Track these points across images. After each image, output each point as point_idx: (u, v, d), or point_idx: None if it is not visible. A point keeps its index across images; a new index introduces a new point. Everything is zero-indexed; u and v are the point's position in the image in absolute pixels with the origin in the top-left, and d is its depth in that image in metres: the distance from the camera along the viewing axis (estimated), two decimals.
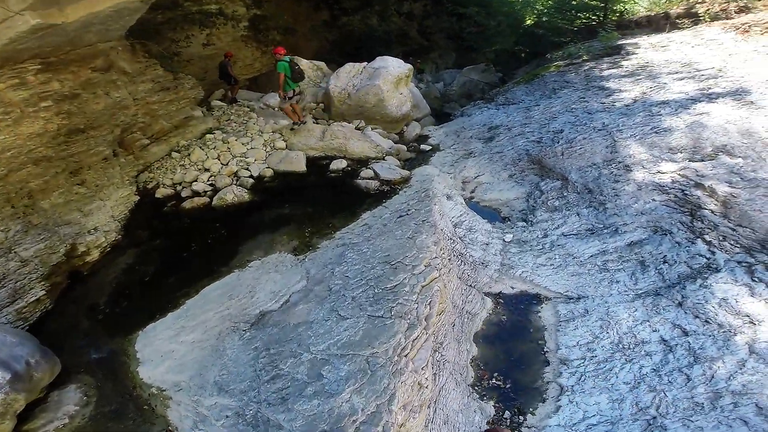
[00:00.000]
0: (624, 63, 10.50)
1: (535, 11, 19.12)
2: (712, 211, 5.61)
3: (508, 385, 4.64)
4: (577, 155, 7.41)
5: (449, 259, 5.51)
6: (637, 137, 7.18)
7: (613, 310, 5.08)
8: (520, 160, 8.17)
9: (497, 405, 4.44)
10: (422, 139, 10.32)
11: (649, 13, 14.58)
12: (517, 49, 18.39)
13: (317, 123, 9.96)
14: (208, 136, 8.91)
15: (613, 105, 8.52)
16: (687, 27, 11.91)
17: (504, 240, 6.54)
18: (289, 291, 5.13)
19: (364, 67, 10.65)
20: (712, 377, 4.05)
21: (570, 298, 5.47)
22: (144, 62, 7.86)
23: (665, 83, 8.73)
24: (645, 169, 6.56)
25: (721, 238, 5.35)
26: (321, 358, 4.03)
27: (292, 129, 9.41)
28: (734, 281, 4.80)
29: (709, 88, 7.93)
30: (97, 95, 6.72)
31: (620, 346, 4.68)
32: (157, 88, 8.04)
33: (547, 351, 4.95)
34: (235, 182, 7.82)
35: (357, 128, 9.85)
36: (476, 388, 4.60)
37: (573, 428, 4.08)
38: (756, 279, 4.73)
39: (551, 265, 5.95)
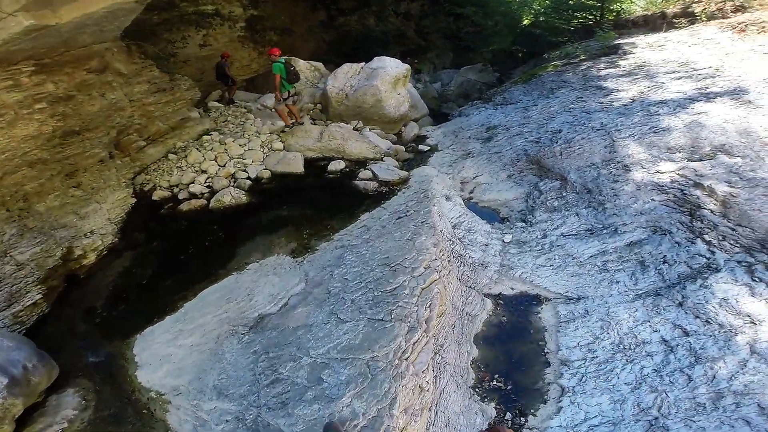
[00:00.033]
0: (621, 62, 10.51)
1: (532, 11, 19.09)
2: (712, 211, 5.61)
3: (509, 387, 4.63)
4: (576, 155, 7.40)
5: (449, 261, 5.49)
6: (635, 137, 7.17)
7: (613, 311, 5.07)
8: (519, 161, 8.15)
9: (498, 406, 4.42)
10: (420, 139, 10.29)
11: (645, 12, 14.59)
12: (515, 48, 18.38)
13: (315, 124, 9.91)
14: (205, 137, 8.85)
15: (611, 105, 8.52)
16: (684, 26, 11.94)
17: (503, 241, 6.52)
18: (287, 294, 5.09)
19: (362, 68, 10.61)
20: (714, 377, 4.04)
21: (570, 299, 5.45)
22: (140, 63, 7.80)
23: (663, 83, 8.73)
24: (644, 169, 6.55)
25: (720, 237, 5.35)
26: (321, 362, 4.00)
27: (283, 131, 9.36)
28: (734, 281, 4.80)
29: (707, 88, 7.93)
30: (93, 97, 6.66)
31: (621, 346, 4.67)
32: (153, 90, 7.98)
33: (547, 352, 4.94)
34: (232, 184, 7.77)
35: (355, 129, 9.81)
36: (477, 389, 4.58)
37: (575, 429, 4.07)
38: (756, 279, 4.73)
39: (551, 265, 5.93)
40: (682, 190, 6.00)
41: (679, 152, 6.56)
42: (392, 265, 5.04)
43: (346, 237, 6.00)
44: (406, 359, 3.88)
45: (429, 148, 9.64)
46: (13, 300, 5.00)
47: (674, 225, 5.77)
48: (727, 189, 5.68)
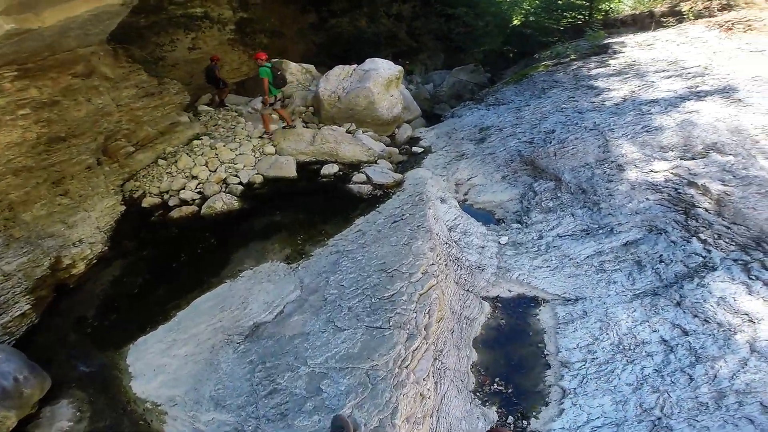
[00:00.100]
0: (611, 62, 10.57)
1: (523, 11, 19.19)
2: (706, 210, 5.64)
3: (509, 390, 4.58)
4: (570, 155, 7.41)
5: (446, 265, 5.44)
6: (628, 136, 7.20)
7: (611, 311, 5.05)
8: (513, 161, 8.14)
9: (500, 410, 4.37)
10: (414, 141, 10.22)
11: (634, 11, 14.72)
12: (506, 49, 18.43)
13: (307, 127, 9.79)
14: (195, 142, 8.71)
15: (603, 104, 8.55)
16: (672, 25, 12.05)
17: (499, 243, 6.49)
18: (283, 301, 5.00)
19: (354, 70, 10.53)
20: (715, 376, 4.04)
21: (568, 300, 5.43)
22: (127, 67, 7.64)
23: (653, 82, 8.79)
24: (638, 168, 6.57)
25: (716, 236, 5.36)
26: (319, 372, 3.92)
27: (261, 137, 9.14)
28: (731, 279, 4.81)
29: (697, 86, 8.00)
30: (79, 102, 6.50)
31: (621, 347, 4.65)
32: (141, 94, 7.83)
33: (547, 354, 4.90)
34: (224, 189, 7.65)
35: (348, 132, 9.72)
36: (478, 394, 4.53)
37: (578, 431, 4.04)
38: (753, 277, 4.74)
39: (548, 266, 5.91)
40: (676, 189, 6.03)
41: (672, 151, 6.59)
42: (389, 270, 4.97)
43: (341, 242, 5.92)
44: (406, 367, 3.81)
45: (423, 149, 9.59)
46: (1, 311, 4.88)
47: (669, 224, 5.78)
48: (720, 187, 5.71)
